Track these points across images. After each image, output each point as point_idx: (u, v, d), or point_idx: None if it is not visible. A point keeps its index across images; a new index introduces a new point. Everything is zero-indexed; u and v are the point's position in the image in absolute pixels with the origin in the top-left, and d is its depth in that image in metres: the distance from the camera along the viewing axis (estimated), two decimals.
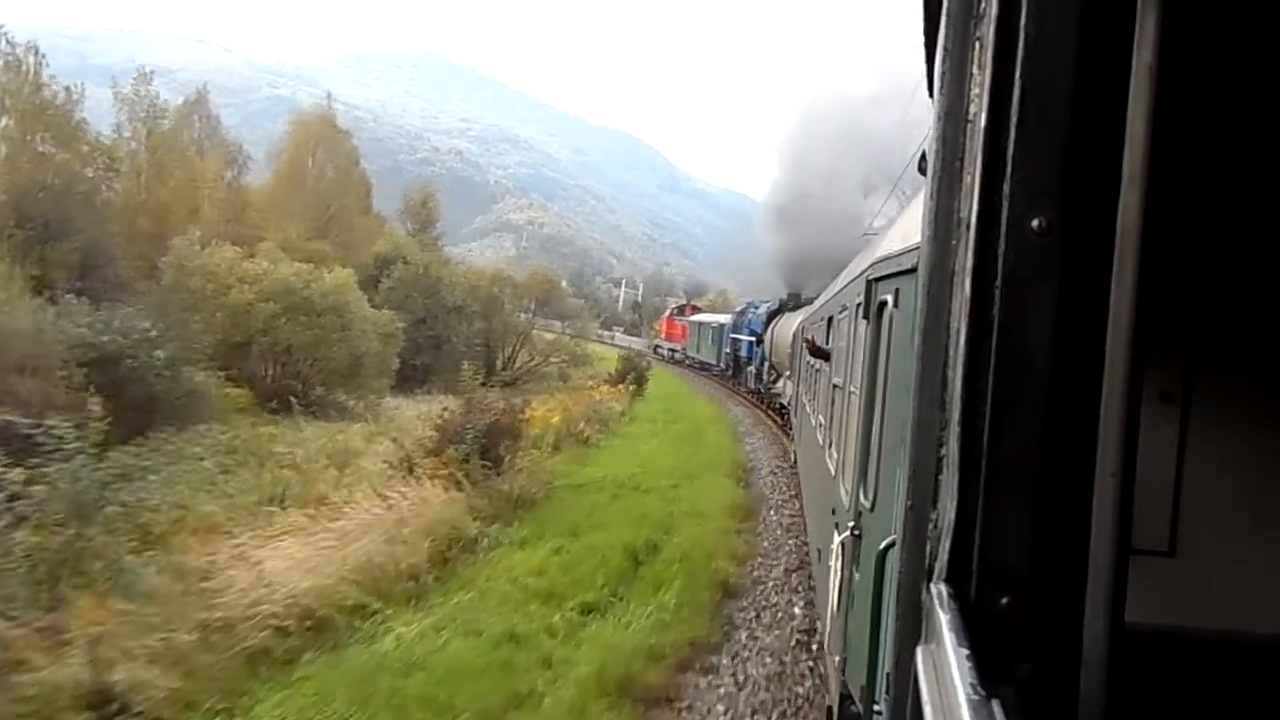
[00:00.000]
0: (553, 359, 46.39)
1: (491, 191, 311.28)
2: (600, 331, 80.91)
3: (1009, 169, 0.99)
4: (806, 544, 11.41)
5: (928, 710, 0.93)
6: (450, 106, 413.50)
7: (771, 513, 15.08)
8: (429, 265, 42.57)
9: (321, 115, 51.42)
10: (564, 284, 57.86)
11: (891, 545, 3.37)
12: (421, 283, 40.88)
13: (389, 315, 31.61)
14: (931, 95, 1.44)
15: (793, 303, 29.97)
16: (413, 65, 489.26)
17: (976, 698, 0.83)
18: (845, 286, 7.17)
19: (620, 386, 33.11)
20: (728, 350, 42.81)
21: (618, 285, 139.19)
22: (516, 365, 45.73)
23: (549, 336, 49.94)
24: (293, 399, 24.95)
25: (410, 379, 37.33)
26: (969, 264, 1.03)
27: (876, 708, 3.40)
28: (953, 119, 1.16)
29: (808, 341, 9.93)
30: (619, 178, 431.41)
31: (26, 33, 34.08)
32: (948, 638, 0.93)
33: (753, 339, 34.70)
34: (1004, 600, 0.98)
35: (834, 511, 5.86)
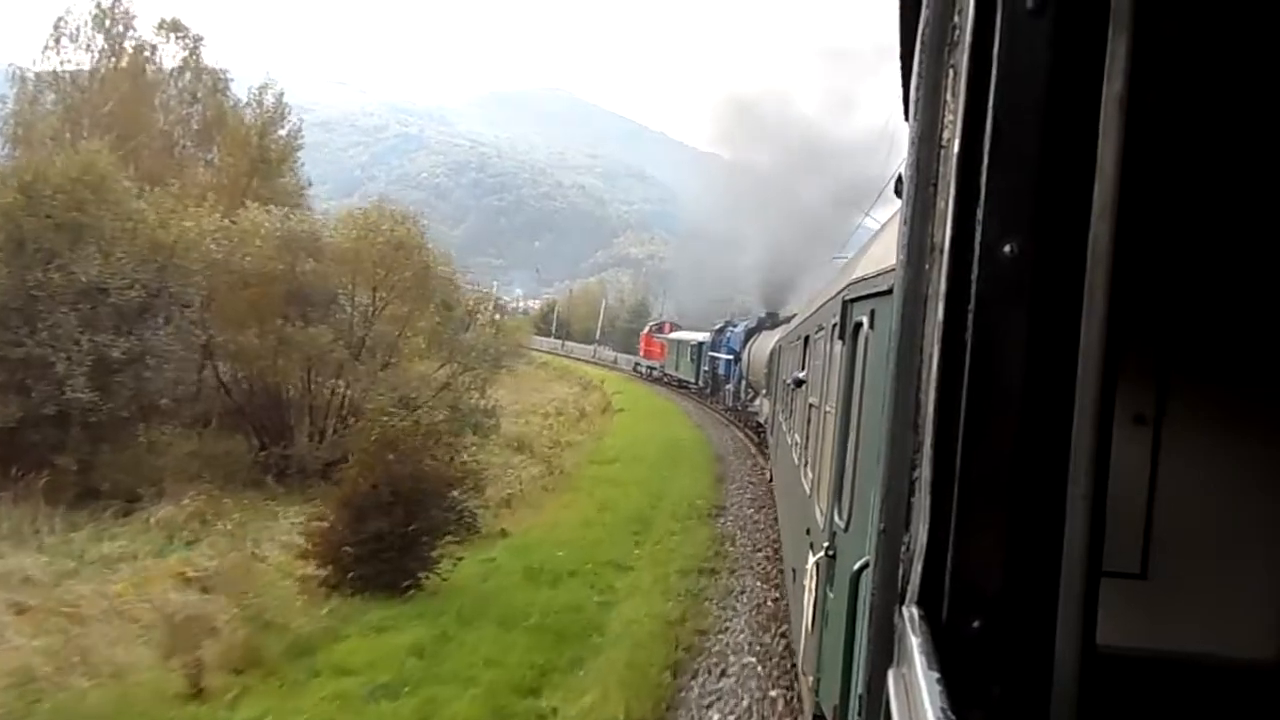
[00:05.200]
0: (433, 407, 20.99)
1: (613, 226, 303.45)
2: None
3: (982, 194, 0.99)
4: None
5: None
6: (579, 144, 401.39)
7: None
8: (62, 192, 18.22)
9: None
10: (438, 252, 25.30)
11: (866, 566, 3.38)
12: (30, 230, 17.95)
13: None
14: (907, 120, 1.43)
15: (770, 321, 29.98)
16: (544, 105, 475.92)
17: None
18: (822, 307, 7.23)
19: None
20: (706, 369, 42.34)
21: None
22: (336, 430, 20.86)
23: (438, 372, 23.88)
24: None
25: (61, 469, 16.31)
26: (942, 287, 1.03)
27: None
28: (927, 144, 1.17)
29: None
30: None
31: None
32: (919, 661, 0.93)
33: (730, 357, 34.55)
34: (975, 623, 0.97)
35: (809, 531, 5.85)
